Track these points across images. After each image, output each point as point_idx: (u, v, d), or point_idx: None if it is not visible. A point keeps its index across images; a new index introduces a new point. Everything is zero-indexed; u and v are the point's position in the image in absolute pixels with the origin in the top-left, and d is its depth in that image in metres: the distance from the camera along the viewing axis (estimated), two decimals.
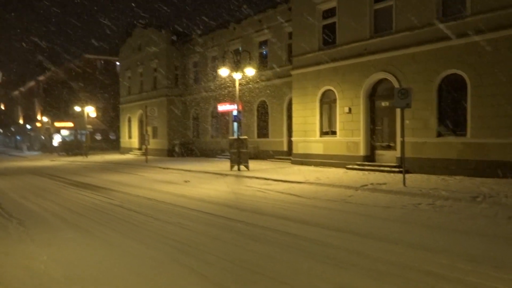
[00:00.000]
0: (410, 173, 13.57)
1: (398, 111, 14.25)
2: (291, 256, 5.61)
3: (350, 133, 16.70)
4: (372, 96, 16.34)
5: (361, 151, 16.26)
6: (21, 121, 62.32)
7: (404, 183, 11.21)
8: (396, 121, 14.98)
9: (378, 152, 16.12)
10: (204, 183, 14.33)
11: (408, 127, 13.59)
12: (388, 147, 15.68)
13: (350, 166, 15.94)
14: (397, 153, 14.90)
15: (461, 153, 13.16)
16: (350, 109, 16.66)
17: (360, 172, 14.80)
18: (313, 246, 6.02)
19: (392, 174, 13.81)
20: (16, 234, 7.17)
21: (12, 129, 67.17)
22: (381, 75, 15.72)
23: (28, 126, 58.09)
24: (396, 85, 14.81)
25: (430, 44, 13.92)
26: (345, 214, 8.41)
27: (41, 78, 50.44)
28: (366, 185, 11.57)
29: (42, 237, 6.87)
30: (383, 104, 16.04)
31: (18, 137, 65.14)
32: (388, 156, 15.57)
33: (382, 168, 14.80)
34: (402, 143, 11.69)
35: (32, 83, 55.02)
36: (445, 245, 5.95)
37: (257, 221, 7.76)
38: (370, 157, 16.21)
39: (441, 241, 6.18)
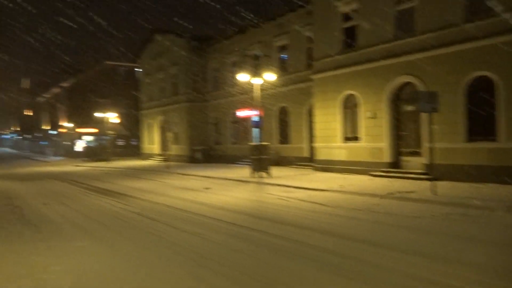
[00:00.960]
0: (439, 180, 12.93)
1: (424, 115, 13.70)
2: (313, 270, 5.26)
3: (374, 138, 16.20)
4: (396, 100, 15.82)
5: (386, 158, 15.74)
6: (46, 127, 63.64)
7: (433, 191, 10.68)
8: (422, 126, 14.43)
9: (404, 158, 15.55)
10: (225, 190, 14.09)
11: (435, 132, 13.02)
12: (414, 153, 15.10)
13: (374, 173, 15.43)
14: (424, 159, 14.32)
15: (493, 159, 12.52)
16: (373, 114, 16.18)
17: (385, 179, 14.28)
18: (337, 260, 5.66)
19: (419, 182, 13.23)
20: (32, 242, 7.04)
21: (38, 135, 68.67)
22: (404, 79, 15.21)
23: (53, 132, 59.25)
24: (421, 88, 14.26)
25: (455, 45, 13.34)
26: (372, 224, 8.00)
27: (65, 84, 51.35)
28: (392, 193, 11.09)
29: (57, 246, 6.72)
30: (408, 108, 15.51)
31: (43, 142, 66.54)
32: (415, 163, 14.98)
33: (408, 175, 14.24)
34: (430, 149, 11.17)
35: (56, 90, 56.11)
36: (480, 260, 5.49)
37: (278, 231, 7.43)
38: (395, 164, 15.66)
39: (476, 255, 5.73)
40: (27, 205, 11.56)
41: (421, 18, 14.43)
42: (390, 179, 14.29)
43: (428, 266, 5.24)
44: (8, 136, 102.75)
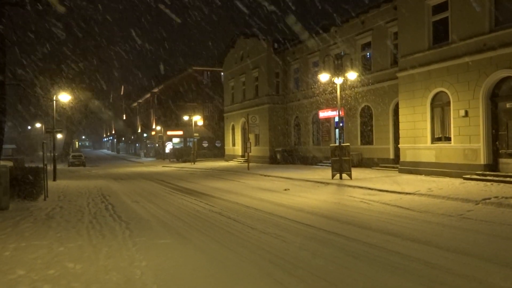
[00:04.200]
0: None
1: None
2: (398, 279, 4.91)
3: (467, 139, 14.93)
4: (494, 97, 14.43)
5: (481, 159, 14.41)
6: (139, 130, 68.47)
7: None
8: None
9: (503, 160, 14.11)
10: (304, 191, 13.92)
11: None
12: None
13: (468, 176, 14.19)
14: None
15: None
16: (466, 112, 14.92)
17: (481, 183, 13.04)
18: (424, 270, 5.23)
19: None
20: (121, 237, 7.51)
21: (132, 138, 74.15)
22: (504, 73, 13.81)
23: (145, 135, 63.56)
24: None
25: None
26: (464, 232, 7.31)
27: (155, 90, 54.81)
28: (488, 199, 10.08)
29: (143, 242, 7.06)
30: (507, 105, 14.05)
31: (137, 145, 71.68)
32: None
33: (509, 179, 12.87)
34: None
35: (148, 95, 60.10)
36: None
37: (360, 236, 7.11)
38: (492, 166, 14.28)
39: None
40: (120, 203, 12.42)
41: None
42: (486, 183, 13.03)
43: None
44: (106, 139, 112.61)
